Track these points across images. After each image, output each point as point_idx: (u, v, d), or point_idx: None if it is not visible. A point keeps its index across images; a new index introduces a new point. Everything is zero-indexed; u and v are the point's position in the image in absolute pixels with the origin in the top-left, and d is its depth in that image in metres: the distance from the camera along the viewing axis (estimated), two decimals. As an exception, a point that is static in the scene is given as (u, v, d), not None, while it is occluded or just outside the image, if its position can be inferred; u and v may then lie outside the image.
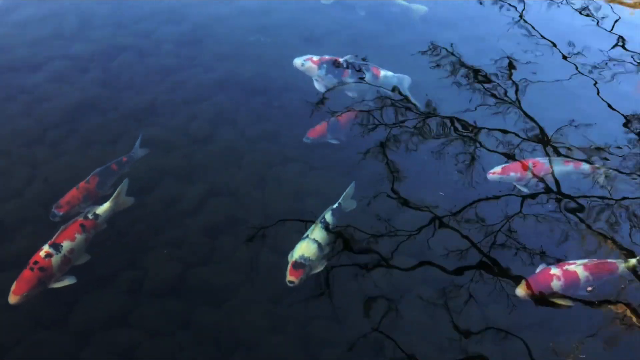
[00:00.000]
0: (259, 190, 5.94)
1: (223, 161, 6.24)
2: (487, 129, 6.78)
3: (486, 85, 7.44)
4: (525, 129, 6.81)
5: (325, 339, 4.78)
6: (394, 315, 4.93)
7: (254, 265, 5.25)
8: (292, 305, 4.97)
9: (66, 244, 4.99)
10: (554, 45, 8.26)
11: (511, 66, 7.78)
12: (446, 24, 8.59)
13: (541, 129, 6.81)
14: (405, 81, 7.29)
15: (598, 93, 7.45)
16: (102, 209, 5.37)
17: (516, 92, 7.36)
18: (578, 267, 4.85)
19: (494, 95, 7.30)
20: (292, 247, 5.39)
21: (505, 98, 7.26)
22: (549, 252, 5.47)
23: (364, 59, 7.34)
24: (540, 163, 5.96)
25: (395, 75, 7.29)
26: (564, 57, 8.03)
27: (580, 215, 5.85)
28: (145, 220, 5.58)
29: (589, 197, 6.03)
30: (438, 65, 7.78)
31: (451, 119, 6.88)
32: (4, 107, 6.74)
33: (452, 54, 7.94)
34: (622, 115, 7.14)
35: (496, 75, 7.64)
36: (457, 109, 7.02)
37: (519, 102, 7.21)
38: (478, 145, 6.57)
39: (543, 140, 6.66)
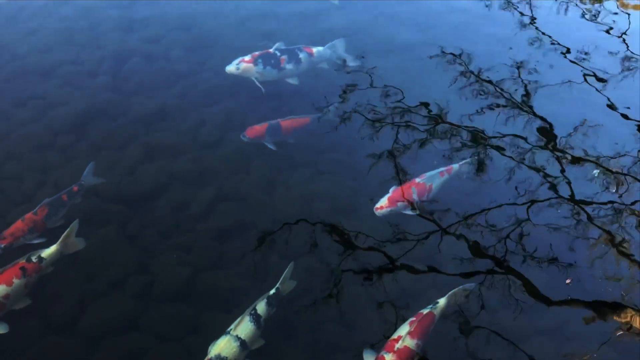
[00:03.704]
0: (267, 194, 5.95)
1: (232, 166, 6.25)
2: (496, 133, 6.75)
3: (495, 90, 7.42)
4: (534, 134, 6.78)
5: (334, 344, 4.77)
6: (403, 320, 4.90)
7: (263, 270, 5.26)
8: (301, 310, 4.96)
9: (1, 289, 4.65)
10: (563, 48, 8.23)
11: (520, 70, 7.76)
12: (453, 28, 8.58)
13: (550, 133, 6.78)
14: (339, 44, 7.43)
15: (608, 96, 7.41)
16: (48, 252, 5.02)
17: (525, 96, 7.33)
18: (406, 339, 4.55)
19: (502, 100, 7.28)
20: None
21: (514, 102, 7.24)
22: (559, 256, 5.44)
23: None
24: (420, 183, 5.78)
25: (328, 45, 7.38)
26: (574, 61, 8.00)
27: (589, 219, 5.81)
28: (155, 225, 5.60)
29: (598, 202, 6.00)
30: (446, 70, 7.76)
31: (460, 123, 6.86)
32: (15, 113, 6.79)
33: (461, 58, 7.92)
34: (632, 119, 7.11)
35: (505, 79, 7.61)
36: (465, 113, 7.01)
37: (528, 106, 7.18)
38: (487, 149, 6.55)
39: (552, 144, 6.63)
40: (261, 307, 4.70)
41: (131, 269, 5.21)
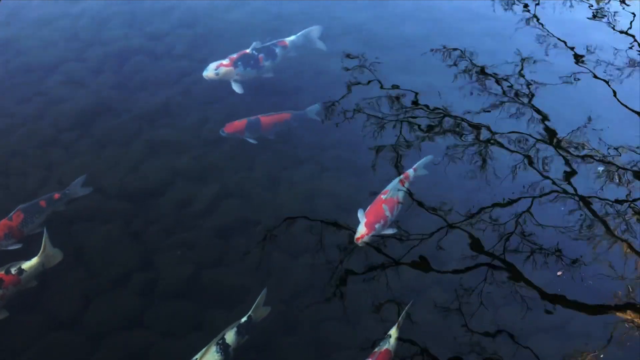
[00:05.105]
0: (270, 191, 5.95)
1: (235, 163, 6.25)
2: (500, 130, 6.74)
3: (498, 86, 7.40)
4: (538, 130, 6.76)
5: (337, 341, 4.78)
6: (406, 318, 4.91)
7: (266, 267, 5.27)
8: (303, 307, 4.97)
9: None
10: (567, 45, 8.19)
11: (524, 66, 7.73)
12: (457, 24, 8.55)
13: (555, 130, 6.76)
14: (314, 32, 7.47)
15: (612, 93, 7.38)
16: (30, 264, 4.86)
17: (529, 92, 7.31)
18: None
19: (506, 96, 7.26)
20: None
21: (518, 99, 7.21)
22: (562, 254, 5.44)
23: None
24: (388, 199, 5.57)
25: (301, 33, 7.42)
26: (577, 57, 7.97)
27: (593, 216, 5.80)
28: (158, 222, 5.61)
29: (602, 199, 5.99)
30: (450, 66, 7.74)
31: (463, 119, 6.85)
32: (20, 109, 6.81)
33: (464, 54, 7.90)
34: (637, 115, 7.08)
35: (509, 75, 7.59)
36: (469, 109, 6.99)
37: (532, 102, 7.16)
38: (491, 146, 6.54)
39: (556, 141, 6.62)
40: (230, 336, 4.46)
41: (135, 265, 5.22)
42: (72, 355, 4.60)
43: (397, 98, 7.17)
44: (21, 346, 4.63)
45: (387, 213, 5.47)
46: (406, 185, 5.82)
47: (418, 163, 6.02)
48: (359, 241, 5.29)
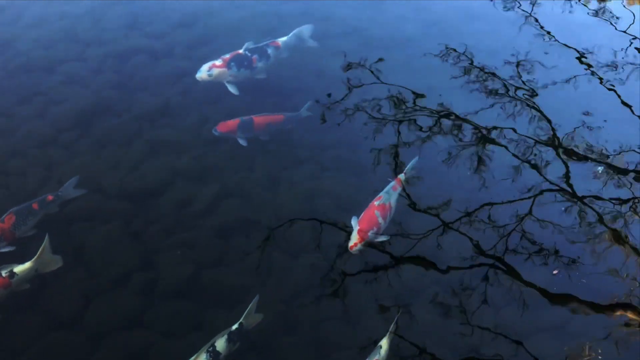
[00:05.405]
0: (271, 191, 5.96)
1: (235, 163, 6.26)
2: (499, 130, 6.74)
3: (498, 86, 7.40)
4: (538, 130, 6.77)
5: (337, 341, 4.78)
6: (406, 317, 4.92)
7: (266, 267, 5.27)
8: (304, 307, 4.97)
9: None
10: (567, 45, 8.19)
11: (524, 66, 7.73)
12: (458, 25, 8.55)
13: (554, 130, 6.77)
14: (305, 31, 7.48)
15: (613, 94, 7.38)
16: (22, 268, 4.80)
17: (529, 92, 7.31)
18: None
19: (506, 96, 7.26)
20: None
21: (518, 99, 7.21)
22: (562, 253, 5.44)
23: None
24: (382, 205, 5.50)
25: (292, 33, 7.42)
26: (577, 57, 7.97)
27: (593, 216, 5.80)
28: (158, 222, 5.62)
29: (602, 198, 5.99)
30: (450, 66, 7.74)
31: (464, 120, 6.85)
32: (19, 109, 6.81)
33: (464, 54, 7.90)
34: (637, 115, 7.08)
35: (509, 75, 7.59)
36: (469, 110, 6.99)
37: (532, 102, 7.16)
38: (491, 147, 6.54)
39: (556, 141, 6.62)
40: (221, 343, 4.41)
41: (135, 265, 5.22)
42: (72, 355, 4.61)
43: (397, 98, 7.18)
44: (21, 346, 4.64)
45: (380, 220, 5.44)
46: (398, 190, 5.79)
47: (407, 167, 6.01)
48: (353, 249, 5.27)
